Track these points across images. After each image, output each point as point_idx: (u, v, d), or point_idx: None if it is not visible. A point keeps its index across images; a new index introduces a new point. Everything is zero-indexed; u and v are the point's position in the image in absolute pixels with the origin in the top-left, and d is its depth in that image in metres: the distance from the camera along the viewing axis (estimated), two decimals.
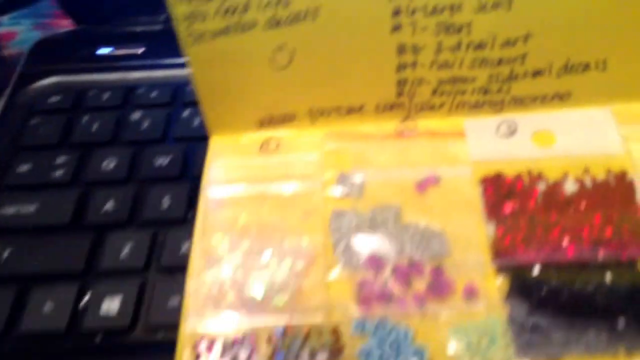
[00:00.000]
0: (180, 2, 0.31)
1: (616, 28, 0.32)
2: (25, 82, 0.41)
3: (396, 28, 0.32)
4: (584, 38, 0.32)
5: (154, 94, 0.39)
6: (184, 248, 0.32)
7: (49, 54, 0.44)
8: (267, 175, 0.34)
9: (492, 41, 0.32)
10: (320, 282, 0.30)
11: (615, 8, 0.31)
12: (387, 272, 0.30)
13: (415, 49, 0.33)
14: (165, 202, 0.34)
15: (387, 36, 0.32)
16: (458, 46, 0.33)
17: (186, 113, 0.38)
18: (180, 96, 0.39)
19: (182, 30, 0.32)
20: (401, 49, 0.33)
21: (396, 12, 0.32)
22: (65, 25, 0.49)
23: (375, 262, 0.30)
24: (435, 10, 0.32)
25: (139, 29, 0.45)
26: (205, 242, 0.31)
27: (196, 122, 0.37)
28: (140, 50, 0.42)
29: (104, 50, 0.42)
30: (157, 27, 0.45)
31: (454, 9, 0.31)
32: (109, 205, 0.34)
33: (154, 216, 0.33)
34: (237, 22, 0.32)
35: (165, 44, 0.37)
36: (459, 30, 0.32)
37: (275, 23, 0.32)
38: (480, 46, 0.33)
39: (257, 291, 0.29)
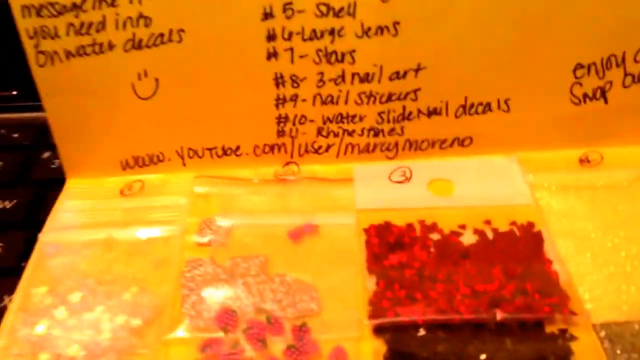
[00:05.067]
0: (27, 16, 0.27)
1: (518, 63, 0.29)
2: None
3: (272, 55, 0.28)
4: (483, 73, 0.29)
5: (15, 135, 0.35)
6: (5, 301, 0.26)
7: None
8: (120, 221, 0.29)
9: (379, 72, 0.29)
10: (157, 342, 0.24)
11: (517, 41, 0.28)
12: (239, 330, 0.24)
13: (295, 81, 0.29)
14: None
15: (262, 64, 0.29)
16: (342, 77, 0.29)
17: (47, 154, 0.34)
18: (45, 138, 0.34)
19: (29, 48, 0.28)
20: (279, 80, 0.29)
21: (271, 37, 0.28)
22: None
23: (227, 318, 0.24)
24: (314, 35, 0.28)
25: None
26: (28, 295, 0.26)
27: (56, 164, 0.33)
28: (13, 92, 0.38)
29: None
30: None
31: (334, 33, 0.28)
32: None
33: None
34: (92, 41, 0.28)
35: None
36: (342, 58, 0.28)
37: (136, 45, 0.28)
38: (366, 78, 0.29)
39: (74, 353, 0.24)
